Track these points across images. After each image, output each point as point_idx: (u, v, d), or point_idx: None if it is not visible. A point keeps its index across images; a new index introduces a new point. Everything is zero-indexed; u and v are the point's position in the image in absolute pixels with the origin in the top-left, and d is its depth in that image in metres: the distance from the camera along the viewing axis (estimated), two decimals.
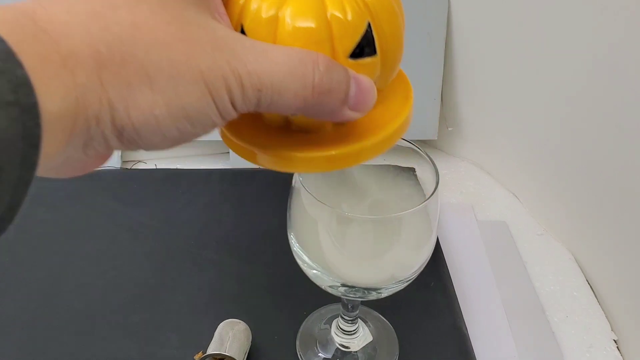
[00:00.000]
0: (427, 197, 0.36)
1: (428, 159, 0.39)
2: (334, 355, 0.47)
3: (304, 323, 0.49)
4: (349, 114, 0.28)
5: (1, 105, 0.18)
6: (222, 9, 0.28)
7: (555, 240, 0.60)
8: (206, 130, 0.25)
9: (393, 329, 0.49)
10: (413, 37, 0.63)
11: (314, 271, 0.39)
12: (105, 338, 0.47)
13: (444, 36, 0.63)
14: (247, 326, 0.46)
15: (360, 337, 0.48)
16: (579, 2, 0.51)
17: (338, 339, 0.47)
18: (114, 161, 0.63)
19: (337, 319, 0.47)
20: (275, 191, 0.58)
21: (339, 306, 0.47)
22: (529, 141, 0.62)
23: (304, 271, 0.40)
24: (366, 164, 0.44)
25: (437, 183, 0.37)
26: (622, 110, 0.49)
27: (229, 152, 0.65)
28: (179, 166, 0.64)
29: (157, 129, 0.23)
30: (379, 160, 0.44)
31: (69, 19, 0.22)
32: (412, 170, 0.42)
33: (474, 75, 0.66)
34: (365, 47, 0.29)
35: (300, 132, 0.32)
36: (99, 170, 0.61)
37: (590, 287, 0.55)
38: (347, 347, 0.47)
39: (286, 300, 0.50)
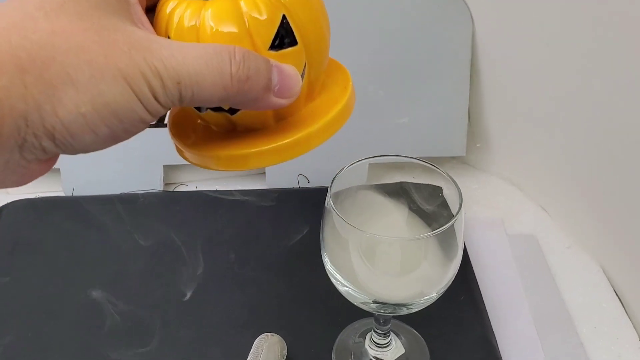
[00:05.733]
0: (453, 216, 0.39)
1: (452, 180, 0.41)
2: None
3: (339, 337, 0.51)
4: (275, 101, 0.30)
5: None
6: (144, 18, 0.30)
7: (584, 252, 0.61)
8: (136, 125, 0.27)
9: (424, 342, 0.50)
10: (440, 58, 0.66)
11: (346, 288, 0.41)
12: (154, 352, 0.50)
13: (469, 56, 0.65)
14: (281, 338, 0.48)
15: (393, 350, 0.49)
16: (604, 15, 0.51)
17: (372, 351, 0.49)
18: (156, 184, 0.67)
19: (370, 333, 0.49)
20: (309, 210, 0.60)
21: (371, 320, 0.49)
22: (557, 155, 0.63)
23: (337, 288, 0.42)
24: (392, 183, 0.47)
25: (461, 204, 0.39)
26: None
27: (264, 173, 0.68)
28: (218, 187, 0.68)
29: (86, 126, 0.25)
30: (409, 179, 0.47)
31: None
32: (440, 189, 0.44)
33: (499, 91, 0.67)
34: (285, 38, 0.31)
35: (246, 131, 0.34)
36: (143, 193, 0.65)
37: (619, 298, 0.56)
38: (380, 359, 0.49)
39: (321, 315, 0.52)
